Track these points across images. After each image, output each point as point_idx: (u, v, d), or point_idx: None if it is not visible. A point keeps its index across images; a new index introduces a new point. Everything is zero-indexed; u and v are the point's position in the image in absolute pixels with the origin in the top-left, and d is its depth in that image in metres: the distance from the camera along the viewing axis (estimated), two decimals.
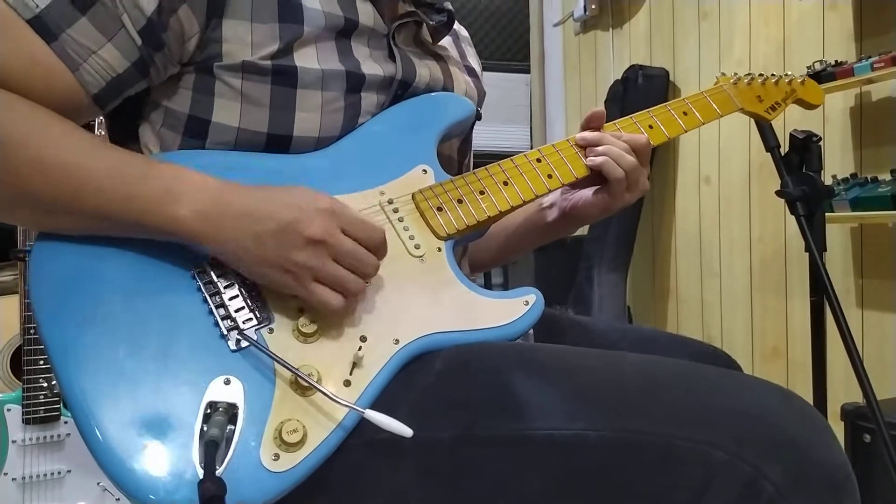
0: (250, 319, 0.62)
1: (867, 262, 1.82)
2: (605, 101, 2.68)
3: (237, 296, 0.63)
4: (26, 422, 1.63)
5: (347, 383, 0.61)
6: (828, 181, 1.71)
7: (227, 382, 0.59)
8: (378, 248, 0.64)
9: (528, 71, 3.35)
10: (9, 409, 1.63)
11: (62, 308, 0.61)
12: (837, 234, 1.85)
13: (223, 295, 0.63)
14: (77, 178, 0.61)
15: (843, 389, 1.63)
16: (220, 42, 0.68)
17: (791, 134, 1.19)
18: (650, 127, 0.86)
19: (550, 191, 0.79)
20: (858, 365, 1.08)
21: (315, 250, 0.61)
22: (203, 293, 0.63)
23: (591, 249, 2.57)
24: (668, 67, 2.53)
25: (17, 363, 1.71)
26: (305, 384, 0.59)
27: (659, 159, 2.56)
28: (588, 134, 0.83)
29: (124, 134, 0.73)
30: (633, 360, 0.65)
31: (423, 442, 0.58)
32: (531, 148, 3.44)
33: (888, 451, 1.04)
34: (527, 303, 0.69)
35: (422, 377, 0.63)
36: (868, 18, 1.80)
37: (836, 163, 1.85)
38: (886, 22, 1.75)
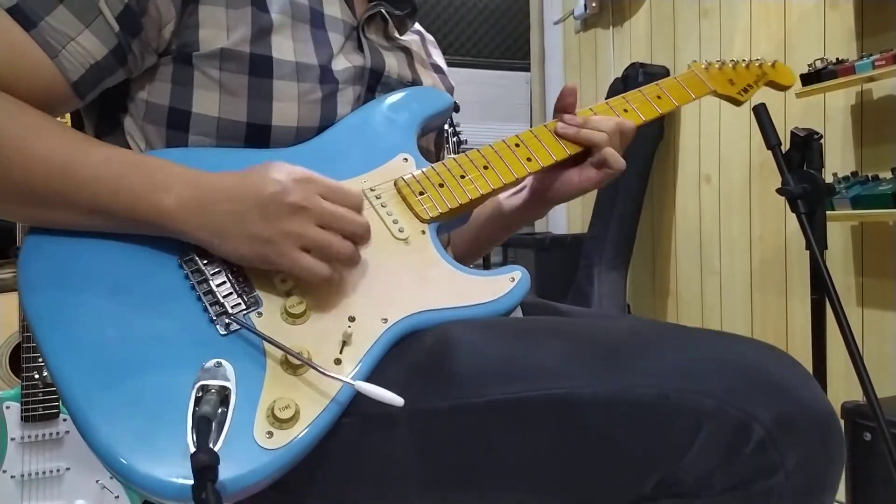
0: (239, 304, 0.63)
1: (868, 260, 1.82)
2: (606, 100, 2.68)
3: (225, 282, 0.64)
4: (25, 419, 1.63)
5: (338, 361, 0.62)
6: (828, 179, 1.71)
7: (218, 365, 0.59)
8: (359, 210, 0.65)
9: (528, 69, 3.35)
10: (8, 407, 1.63)
11: (52, 303, 0.61)
12: (838, 232, 1.85)
13: (211, 282, 0.63)
14: (65, 173, 0.62)
15: (843, 388, 1.63)
16: (196, 28, 0.69)
17: (792, 132, 1.19)
18: (625, 111, 0.88)
19: (530, 173, 0.81)
20: (859, 363, 1.07)
21: (298, 217, 0.61)
22: (191, 281, 0.63)
23: (591, 248, 2.57)
24: (668, 66, 2.53)
25: (17, 361, 1.71)
26: (296, 362, 0.59)
27: (659, 158, 2.56)
28: (568, 129, 0.83)
29: (110, 131, 0.74)
30: (621, 323, 0.67)
31: (418, 414, 0.59)
32: None
33: (889, 449, 1.04)
34: (513, 279, 0.70)
35: (413, 354, 0.64)
36: (869, 17, 1.80)
37: (837, 161, 1.85)
38: (887, 20, 1.75)
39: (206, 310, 0.62)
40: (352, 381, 0.59)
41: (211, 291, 0.63)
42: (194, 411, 0.56)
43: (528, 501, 0.60)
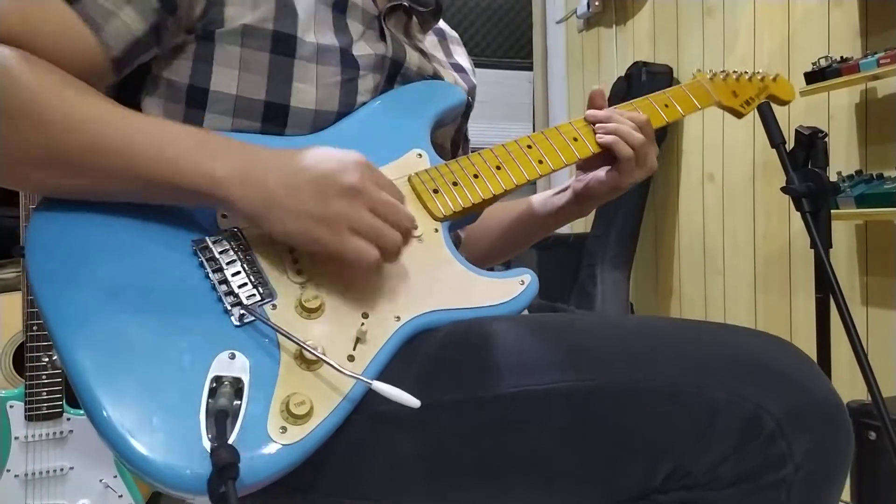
0: (253, 295, 0.62)
1: (872, 259, 1.82)
2: (609, 99, 2.67)
3: (239, 272, 0.63)
4: (29, 419, 1.63)
5: (351, 358, 0.62)
6: (833, 178, 1.70)
7: (232, 357, 0.58)
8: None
9: (530, 68, 3.35)
10: (11, 406, 1.63)
11: (62, 281, 0.60)
12: (842, 231, 1.84)
13: (225, 271, 0.62)
14: (109, 136, 0.61)
15: (848, 387, 1.63)
16: (222, 5, 0.69)
17: (797, 130, 1.19)
18: None
19: (541, 176, 0.81)
20: (864, 362, 1.07)
21: (352, 199, 0.60)
22: (205, 269, 0.63)
23: (593, 247, 2.56)
24: (671, 64, 2.52)
25: (20, 360, 1.72)
26: (311, 357, 0.59)
27: (662, 157, 2.55)
28: (598, 112, 0.86)
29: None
30: (632, 319, 0.67)
31: (427, 409, 0.59)
32: None
33: (893, 448, 1.04)
34: (522, 282, 0.71)
35: (424, 348, 0.64)
36: (874, 14, 1.79)
37: (841, 159, 1.84)
38: (892, 18, 1.74)
39: (220, 300, 0.61)
40: (369, 381, 0.58)
41: (226, 281, 0.62)
42: (208, 403, 0.55)
43: (536, 494, 0.60)
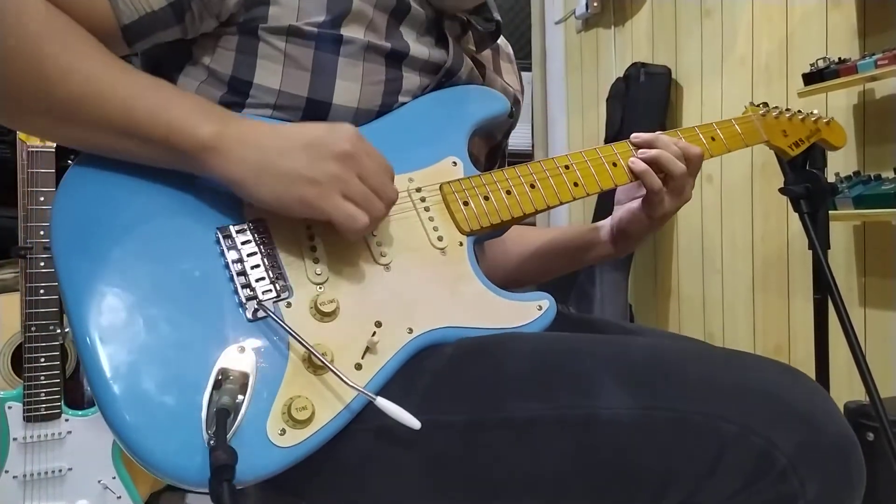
0: (269, 291, 0.62)
1: (870, 260, 1.82)
2: (607, 100, 2.67)
3: (258, 265, 0.63)
4: (27, 419, 1.63)
5: (358, 367, 0.61)
6: (831, 179, 1.70)
7: (241, 351, 0.58)
8: (392, 181, 0.65)
9: (529, 69, 3.35)
10: (10, 407, 1.63)
11: (81, 245, 0.60)
12: (840, 232, 1.84)
13: (245, 263, 0.62)
14: (105, 93, 0.60)
15: (846, 388, 1.63)
16: (267, 5, 0.69)
17: None
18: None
19: (575, 199, 0.79)
20: (862, 363, 1.07)
21: (344, 163, 0.61)
22: (225, 258, 0.62)
23: None
24: (670, 65, 2.52)
25: (18, 361, 1.71)
26: (318, 363, 0.59)
27: None
28: (644, 134, 0.82)
29: None
30: (640, 342, 0.66)
31: (432, 427, 0.58)
32: (532, 146, 3.37)
33: (892, 449, 1.04)
34: (540, 307, 0.70)
35: (432, 362, 0.63)
36: (872, 15, 1.80)
37: (839, 160, 1.84)
38: (890, 19, 1.74)
39: (236, 291, 0.61)
40: (373, 397, 0.58)
41: (244, 272, 0.62)
42: (211, 396, 0.56)
43: None
